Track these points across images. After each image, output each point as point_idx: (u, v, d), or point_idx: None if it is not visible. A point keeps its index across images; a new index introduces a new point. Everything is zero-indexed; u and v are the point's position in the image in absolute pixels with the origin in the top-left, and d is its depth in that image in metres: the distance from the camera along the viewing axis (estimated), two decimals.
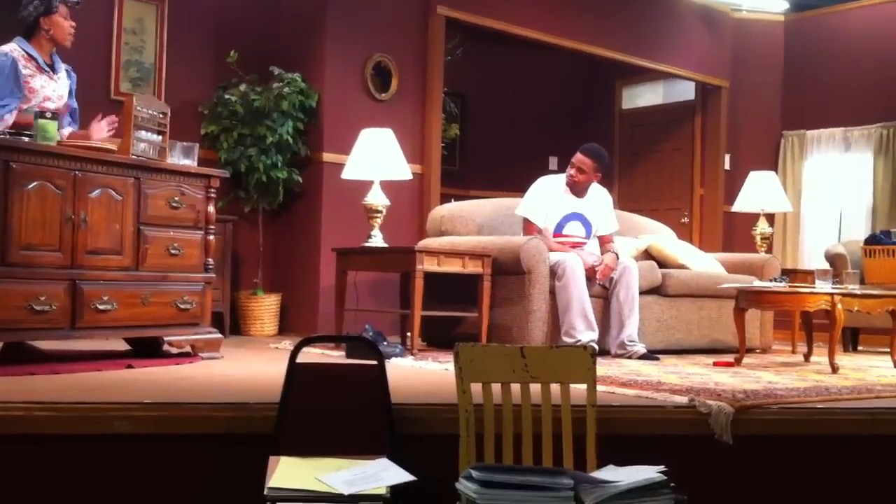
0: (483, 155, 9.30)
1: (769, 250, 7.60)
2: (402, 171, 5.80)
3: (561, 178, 5.78)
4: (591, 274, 5.44)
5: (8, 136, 3.87)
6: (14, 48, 4.33)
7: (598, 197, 5.84)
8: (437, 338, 5.66)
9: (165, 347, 4.53)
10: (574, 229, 5.70)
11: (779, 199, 7.50)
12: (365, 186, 5.70)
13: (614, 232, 5.92)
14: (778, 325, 6.67)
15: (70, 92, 4.56)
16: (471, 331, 5.34)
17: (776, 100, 9.26)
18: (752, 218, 7.60)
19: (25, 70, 4.29)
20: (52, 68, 4.45)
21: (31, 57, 4.35)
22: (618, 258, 5.60)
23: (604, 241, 5.80)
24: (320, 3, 6.66)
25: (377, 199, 5.63)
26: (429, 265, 5.17)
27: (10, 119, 4.18)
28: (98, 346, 4.59)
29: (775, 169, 8.94)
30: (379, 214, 5.61)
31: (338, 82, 6.65)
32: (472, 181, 9.08)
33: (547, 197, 5.68)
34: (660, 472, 2.38)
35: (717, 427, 3.10)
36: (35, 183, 3.80)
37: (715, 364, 5.02)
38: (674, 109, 9.59)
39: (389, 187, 5.78)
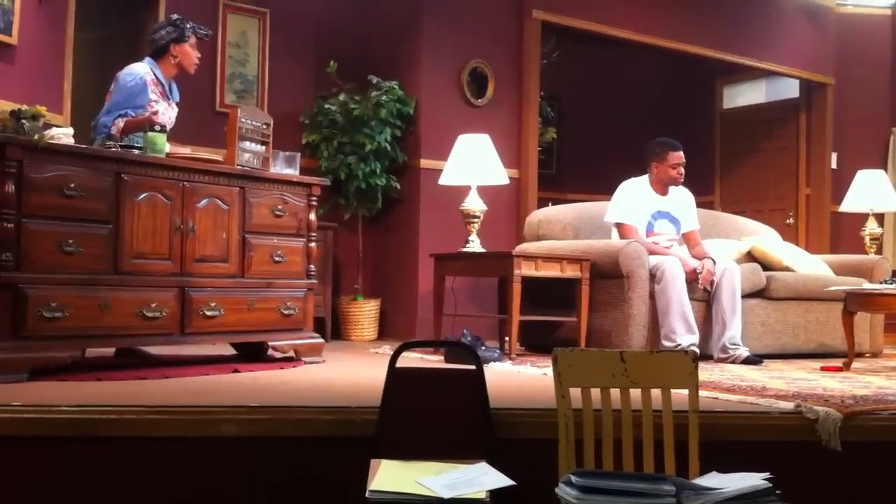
0: (580, 158, 9.23)
1: (879, 251, 7.35)
2: (499, 176, 5.81)
3: (643, 180, 5.72)
4: (692, 277, 5.36)
5: (120, 149, 4.03)
6: (147, 71, 4.50)
7: (681, 194, 5.79)
8: (536, 342, 5.65)
9: (270, 352, 4.64)
10: (664, 227, 5.65)
11: (888, 197, 7.24)
12: (462, 192, 5.73)
13: (698, 230, 5.83)
14: (888, 328, 6.44)
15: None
16: (569, 335, 5.31)
17: (884, 96, 8.95)
18: (861, 218, 7.36)
19: (152, 95, 4.47)
20: (171, 94, 4.63)
21: (158, 81, 4.54)
22: (714, 262, 5.50)
23: (691, 239, 5.73)
24: (416, 11, 6.73)
25: (474, 204, 5.65)
26: (526, 270, 5.17)
27: (120, 123, 4.33)
28: (206, 351, 4.73)
29: (884, 167, 8.62)
30: (476, 220, 5.64)
31: (434, 89, 6.71)
32: (569, 184, 9.03)
33: (635, 199, 5.63)
34: (765, 480, 2.33)
35: (824, 433, 3.02)
36: (145, 194, 3.94)
37: (822, 369, 4.88)
38: (777, 108, 9.36)
39: (486, 192, 5.80)
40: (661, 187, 5.67)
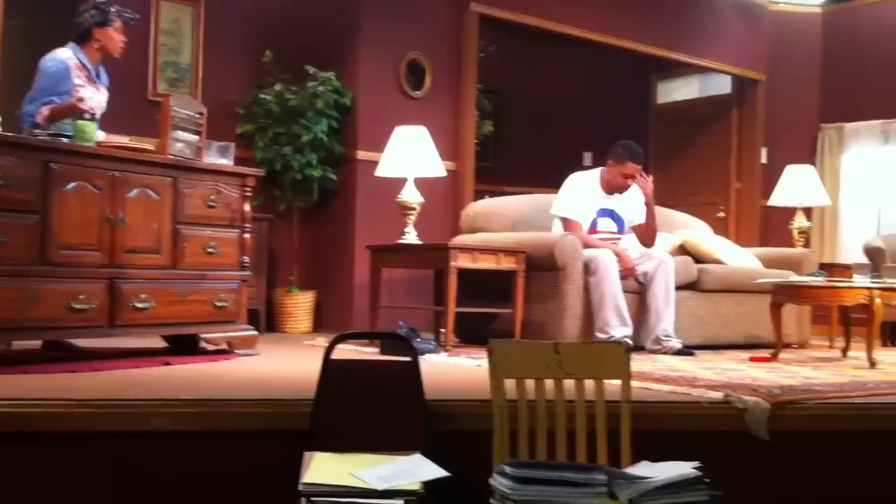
0: (517, 151, 9.27)
1: (807, 245, 7.51)
2: (436, 168, 5.81)
3: (593, 175, 5.77)
4: (630, 274, 5.41)
5: (48, 138, 3.94)
6: (70, 56, 4.38)
7: (629, 191, 5.81)
8: (471, 334, 5.66)
9: (202, 345, 4.59)
10: (606, 225, 5.71)
11: (816, 192, 7.42)
12: (399, 184, 5.72)
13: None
14: (815, 320, 6.59)
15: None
16: (505, 327, 5.34)
17: (814, 93, 9.15)
18: (790, 212, 7.52)
19: (77, 80, 4.35)
20: (98, 78, 4.53)
21: (83, 66, 4.43)
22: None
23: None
24: (354, 2, 6.69)
25: (411, 196, 5.64)
26: (463, 262, 5.18)
27: (45, 111, 4.21)
28: (136, 344, 4.66)
29: (813, 162, 8.81)
30: (413, 212, 5.63)
31: (372, 81, 6.68)
32: (505, 177, 9.07)
33: (582, 194, 5.67)
34: (695, 468, 2.37)
35: (753, 423, 3.08)
36: (74, 183, 3.86)
37: (751, 359, 4.98)
38: (710, 103, 9.51)
39: (423, 184, 5.79)
40: (609, 188, 5.70)
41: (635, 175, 5.60)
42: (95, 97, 4.46)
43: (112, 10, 4.50)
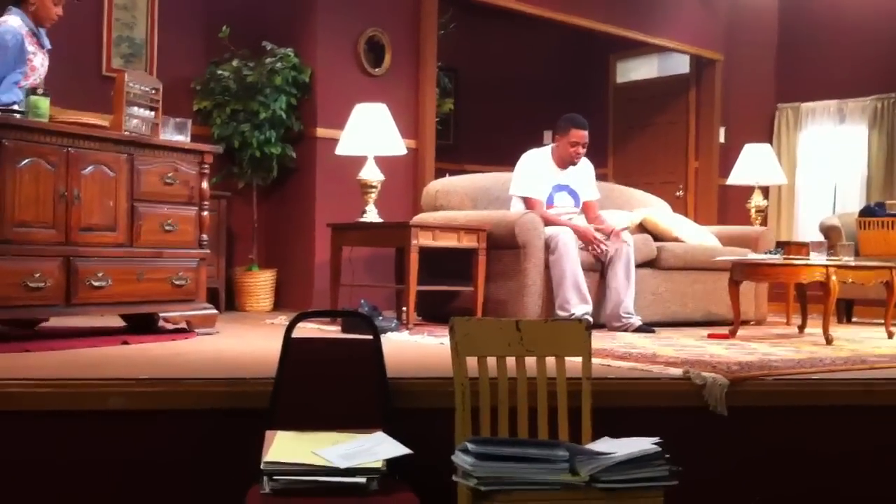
0: (477, 129, 9.26)
1: (764, 223, 7.60)
2: (397, 146, 5.78)
3: (545, 151, 5.79)
4: (590, 240, 5.45)
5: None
6: (21, 24, 4.19)
7: (582, 166, 5.87)
8: (433, 312, 5.66)
9: (161, 323, 4.54)
10: (563, 200, 5.74)
11: (773, 171, 7.50)
12: (359, 162, 5.68)
13: (597, 199, 5.94)
14: (773, 297, 6.68)
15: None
16: (466, 305, 5.35)
17: (771, 72, 9.23)
18: (747, 191, 7.60)
19: (29, 48, 4.22)
20: (43, 41, 4.40)
21: (31, 33, 4.27)
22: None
23: (589, 209, 5.83)
24: None
25: (371, 174, 5.61)
26: (424, 240, 5.17)
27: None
28: (93, 323, 4.59)
29: (770, 142, 8.92)
30: (373, 190, 5.60)
31: (331, 57, 6.62)
32: (466, 155, 9.06)
33: (536, 171, 5.69)
34: (655, 444, 2.39)
35: (711, 399, 3.11)
36: (28, 160, 3.78)
37: (710, 336, 5.03)
38: (668, 83, 9.56)
39: (384, 162, 5.76)
40: (562, 161, 5.73)
41: (581, 142, 5.64)
42: (44, 63, 4.33)
43: None
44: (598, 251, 5.48)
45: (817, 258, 4.96)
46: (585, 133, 5.66)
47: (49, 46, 4.44)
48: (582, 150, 5.68)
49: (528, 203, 5.62)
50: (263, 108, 6.29)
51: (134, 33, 6.28)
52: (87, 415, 2.79)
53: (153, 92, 4.39)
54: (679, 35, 8.82)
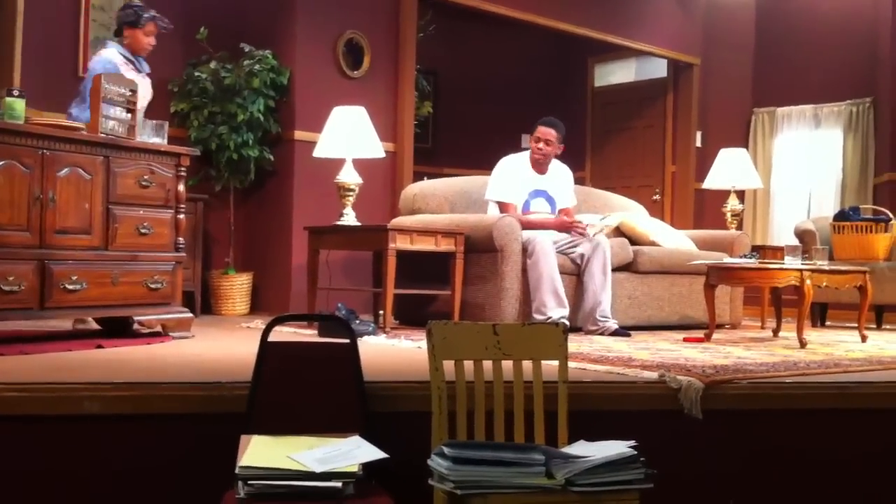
0: (456, 132, 9.27)
1: (739, 227, 7.65)
2: (375, 149, 5.78)
3: (523, 157, 5.82)
4: (567, 227, 5.55)
5: None
6: (114, 54, 4.71)
7: (560, 172, 5.92)
8: (410, 316, 5.66)
9: (136, 327, 4.52)
10: (539, 206, 5.77)
11: (749, 175, 7.55)
12: (337, 165, 5.67)
13: (573, 206, 5.98)
14: (748, 300, 6.72)
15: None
16: (443, 309, 5.35)
17: (747, 77, 9.30)
18: (723, 195, 7.64)
19: (127, 74, 4.57)
20: (142, 66, 4.83)
21: (128, 60, 4.73)
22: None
23: (565, 215, 5.85)
24: None
25: (349, 177, 5.60)
26: (401, 243, 5.16)
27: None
28: (68, 327, 4.56)
29: (746, 146, 8.99)
30: (351, 193, 5.59)
31: (309, 59, 6.60)
32: (444, 159, 9.07)
33: (513, 176, 5.71)
34: (630, 447, 2.40)
35: (686, 402, 3.13)
36: (2, 162, 3.75)
37: (685, 340, 5.06)
38: (646, 87, 9.61)
39: (362, 165, 5.75)
40: (539, 165, 5.75)
41: (544, 137, 5.67)
42: (142, 86, 4.61)
43: (146, 14, 4.81)
44: (581, 231, 5.52)
45: (792, 262, 5.00)
46: (548, 130, 5.70)
47: (148, 70, 4.89)
48: (544, 147, 5.70)
49: (503, 207, 5.64)
50: (241, 111, 6.28)
51: (111, 34, 6.23)
52: (61, 419, 2.77)
53: (130, 94, 4.36)
54: (656, 39, 8.87)
